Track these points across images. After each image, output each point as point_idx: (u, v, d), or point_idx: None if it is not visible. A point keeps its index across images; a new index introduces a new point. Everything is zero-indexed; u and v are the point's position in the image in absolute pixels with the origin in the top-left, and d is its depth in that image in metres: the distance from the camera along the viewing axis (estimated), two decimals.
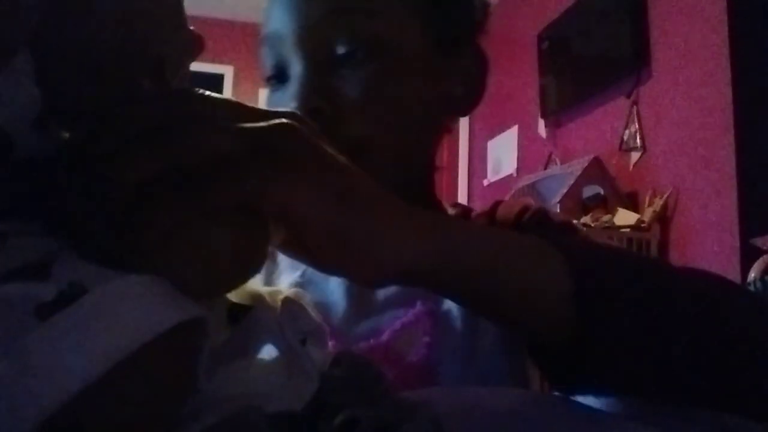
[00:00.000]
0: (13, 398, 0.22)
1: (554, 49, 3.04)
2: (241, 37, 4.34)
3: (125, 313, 0.24)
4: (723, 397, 0.39)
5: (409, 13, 0.53)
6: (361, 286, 0.35)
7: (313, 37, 0.51)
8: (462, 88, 0.58)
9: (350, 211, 0.31)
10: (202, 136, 0.27)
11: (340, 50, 0.51)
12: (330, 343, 0.52)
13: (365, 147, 0.51)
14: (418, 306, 0.53)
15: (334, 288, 0.56)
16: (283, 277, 0.58)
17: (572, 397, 0.39)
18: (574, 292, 0.36)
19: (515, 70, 3.33)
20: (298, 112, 0.50)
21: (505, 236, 0.39)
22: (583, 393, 0.40)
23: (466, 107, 0.59)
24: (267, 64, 0.55)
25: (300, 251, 0.34)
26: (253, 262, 0.29)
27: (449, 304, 0.53)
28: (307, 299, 0.36)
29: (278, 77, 0.54)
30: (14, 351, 0.23)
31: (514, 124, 3.50)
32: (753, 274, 1.59)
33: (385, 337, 0.52)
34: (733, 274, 1.91)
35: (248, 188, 0.28)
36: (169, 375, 0.26)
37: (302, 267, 0.58)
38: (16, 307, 0.23)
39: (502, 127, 3.61)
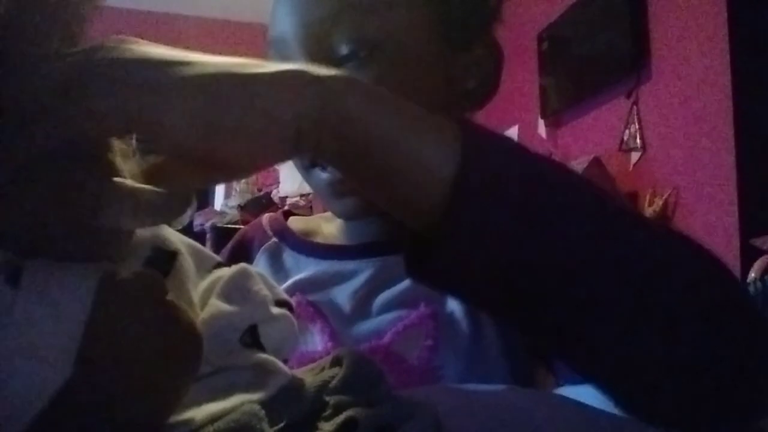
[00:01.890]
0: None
1: (554, 49, 3.04)
2: (241, 37, 4.33)
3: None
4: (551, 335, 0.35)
5: (416, 7, 0.52)
6: (262, 166, 0.33)
7: (314, 38, 0.51)
8: (476, 81, 0.56)
9: (205, 95, 0.29)
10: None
11: (342, 51, 0.50)
12: (329, 344, 0.52)
13: None
14: (422, 308, 0.52)
15: (337, 288, 0.56)
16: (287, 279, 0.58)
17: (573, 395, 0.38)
18: (455, 176, 0.32)
19: (515, 70, 3.33)
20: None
21: (409, 107, 0.35)
22: (439, 286, 0.36)
23: (481, 100, 0.58)
24: None
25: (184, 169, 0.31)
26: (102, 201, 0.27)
27: (453, 306, 0.52)
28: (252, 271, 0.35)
29: None
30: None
31: (514, 124, 3.49)
32: (753, 274, 1.58)
33: (386, 338, 0.52)
34: None
35: (66, 124, 0.26)
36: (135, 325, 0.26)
37: (306, 269, 0.58)
38: None
39: (502, 127, 3.60)
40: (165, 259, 0.31)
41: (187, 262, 0.33)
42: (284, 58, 0.53)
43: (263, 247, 0.61)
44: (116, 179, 0.27)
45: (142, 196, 0.27)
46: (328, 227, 0.63)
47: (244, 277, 0.34)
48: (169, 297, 0.27)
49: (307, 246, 0.60)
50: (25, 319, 0.24)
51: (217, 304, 0.32)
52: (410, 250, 0.36)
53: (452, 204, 0.32)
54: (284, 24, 0.53)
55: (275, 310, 0.34)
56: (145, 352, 0.26)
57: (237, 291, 0.34)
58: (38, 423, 0.23)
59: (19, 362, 0.23)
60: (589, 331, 0.34)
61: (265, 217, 0.65)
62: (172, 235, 0.33)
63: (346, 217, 0.58)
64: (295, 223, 0.64)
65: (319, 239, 0.61)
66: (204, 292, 0.33)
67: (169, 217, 0.29)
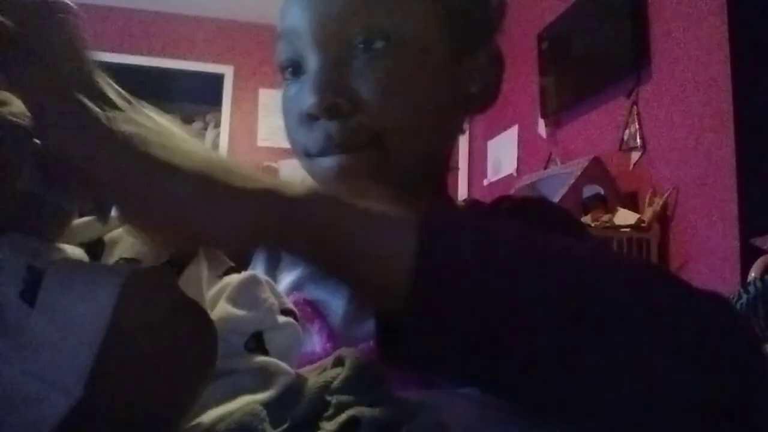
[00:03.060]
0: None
1: (554, 49, 3.04)
2: (241, 37, 4.33)
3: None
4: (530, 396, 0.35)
5: (429, 9, 0.54)
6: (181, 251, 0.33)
7: (329, 31, 0.52)
8: (478, 86, 0.58)
9: (172, 195, 0.29)
10: None
11: (356, 44, 0.52)
12: (328, 345, 0.52)
13: (382, 141, 0.51)
14: None
15: (336, 288, 0.55)
16: (284, 275, 0.58)
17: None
18: (413, 267, 0.33)
19: (515, 70, 3.33)
20: (317, 108, 0.51)
21: (368, 205, 0.35)
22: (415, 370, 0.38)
23: (482, 106, 0.60)
24: (282, 58, 0.56)
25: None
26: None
27: None
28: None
29: (294, 70, 0.55)
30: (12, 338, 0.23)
31: (514, 124, 3.49)
32: (753, 274, 1.58)
33: None
34: (733, 274, 1.91)
35: None
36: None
37: (302, 265, 0.58)
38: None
39: (502, 127, 3.61)
40: (182, 261, 0.32)
41: (203, 264, 0.33)
42: (295, 50, 0.54)
43: None
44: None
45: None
46: None
47: (253, 284, 0.35)
48: (181, 291, 0.27)
49: None
50: (40, 341, 0.23)
51: (225, 308, 0.33)
52: (382, 336, 0.37)
53: (414, 293, 0.33)
54: (298, 17, 0.54)
55: (281, 319, 0.35)
56: (162, 347, 0.26)
57: (245, 297, 0.34)
58: None
59: (30, 385, 0.23)
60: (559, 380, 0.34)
61: None
62: None
63: None
64: None
65: None
66: (213, 297, 0.33)
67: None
